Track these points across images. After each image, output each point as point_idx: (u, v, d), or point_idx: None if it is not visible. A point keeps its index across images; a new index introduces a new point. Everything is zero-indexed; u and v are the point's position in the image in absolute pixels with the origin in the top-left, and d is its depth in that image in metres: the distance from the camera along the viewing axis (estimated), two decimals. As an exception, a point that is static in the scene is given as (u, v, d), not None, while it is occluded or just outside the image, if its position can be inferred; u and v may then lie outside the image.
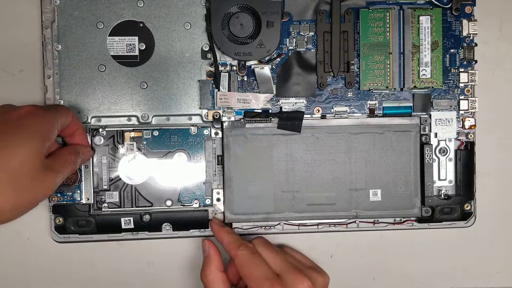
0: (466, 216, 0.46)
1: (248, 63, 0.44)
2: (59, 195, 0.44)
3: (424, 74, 0.45)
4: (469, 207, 0.46)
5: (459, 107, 0.46)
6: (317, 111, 0.45)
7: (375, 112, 0.45)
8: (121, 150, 0.44)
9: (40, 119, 0.35)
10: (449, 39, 0.45)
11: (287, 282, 0.38)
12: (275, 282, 0.37)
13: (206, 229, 0.45)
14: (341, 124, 0.45)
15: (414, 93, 0.45)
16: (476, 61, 0.45)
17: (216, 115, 0.44)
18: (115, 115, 0.44)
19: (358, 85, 0.45)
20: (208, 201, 0.44)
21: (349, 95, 0.45)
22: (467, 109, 0.46)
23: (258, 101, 0.44)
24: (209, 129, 0.44)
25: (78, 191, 0.44)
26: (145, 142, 0.44)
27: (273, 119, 0.44)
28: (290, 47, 0.45)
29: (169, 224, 0.44)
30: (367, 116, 0.45)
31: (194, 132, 0.44)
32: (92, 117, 0.44)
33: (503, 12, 0.47)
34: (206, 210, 0.45)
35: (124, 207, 0.44)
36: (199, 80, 0.44)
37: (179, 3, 0.44)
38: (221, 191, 0.44)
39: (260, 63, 0.44)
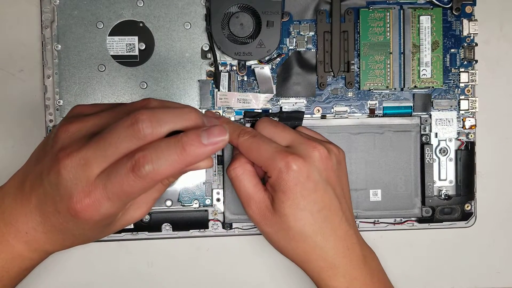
0: (466, 216, 0.46)
1: (248, 63, 0.44)
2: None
3: (424, 74, 0.45)
4: (469, 207, 0.46)
5: (459, 107, 0.46)
6: (317, 111, 0.45)
7: (375, 112, 0.45)
8: (121, 150, 0.44)
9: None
10: (450, 39, 0.45)
11: (300, 151, 0.36)
12: (286, 153, 0.35)
13: (206, 229, 0.45)
14: (341, 124, 0.45)
15: (415, 93, 0.45)
16: (476, 61, 0.45)
17: (216, 115, 0.44)
18: (115, 115, 0.44)
19: (358, 85, 0.45)
20: (208, 201, 0.44)
21: (349, 95, 0.45)
22: (468, 109, 0.46)
23: (258, 101, 0.44)
24: (209, 129, 0.44)
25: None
26: (145, 142, 0.44)
27: (273, 119, 0.44)
28: (290, 47, 0.45)
29: (169, 224, 0.44)
30: (367, 116, 0.45)
31: (194, 132, 0.44)
32: (92, 117, 0.44)
33: (504, 12, 0.47)
34: (206, 210, 0.45)
35: (124, 207, 0.44)
36: (199, 80, 0.44)
37: (179, 2, 0.44)
38: (221, 191, 0.44)
39: (260, 63, 0.44)
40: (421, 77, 0.45)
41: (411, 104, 0.45)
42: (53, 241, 0.31)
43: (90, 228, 0.30)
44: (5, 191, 0.31)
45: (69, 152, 0.28)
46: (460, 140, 0.46)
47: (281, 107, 0.45)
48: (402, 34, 0.44)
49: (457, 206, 0.45)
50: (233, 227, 0.45)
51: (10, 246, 0.31)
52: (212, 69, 0.44)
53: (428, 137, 0.45)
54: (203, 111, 0.44)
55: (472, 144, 0.46)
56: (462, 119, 0.46)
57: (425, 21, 0.44)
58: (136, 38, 0.43)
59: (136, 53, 0.43)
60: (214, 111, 0.44)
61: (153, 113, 0.28)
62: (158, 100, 0.30)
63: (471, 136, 0.46)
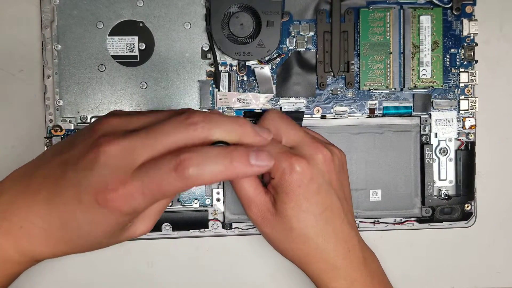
0: (466, 216, 0.46)
1: (248, 63, 0.44)
2: (59, 195, 0.44)
3: (424, 74, 0.45)
4: (469, 207, 0.46)
5: (459, 107, 0.46)
6: (317, 111, 0.45)
7: (375, 112, 0.45)
8: (121, 150, 0.44)
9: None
10: (450, 39, 0.45)
11: (304, 153, 0.36)
12: (290, 154, 0.35)
13: (205, 229, 0.45)
14: (341, 124, 0.45)
15: (414, 93, 0.45)
16: (476, 61, 0.45)
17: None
18: (115, 115, 0.44)
19: (358, 85, 0.45)
20: (208, 201, 0.44)
21: (349, 95, 0.45)
22: (468, 109, 0.46)
23: (258, 101, 0.44)
24: (209, 129, 0.44)
25: (78, 191, 0.44)
26: (145, 142, 0.44)
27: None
28: (290, 47, 0.45)
29: (169, 224, 0.44)
30: (367, 116, 0.45)
31: (194, 132, 0.44)
32: (92, 117, 0.44)
33: (504, 12, 0.47)
34: (206, 210, 0.45)
35: (124, 207, 0.44)
36: (199, 80, 0.44)
37: (178, 2, 0.44)
38: (221, 191, 0.44)
39: (260, 63, 0.44)
40: (421, 77, 0.45)
41: (411, 104, 0.45)
42: (47, 240, 0.29)
43: (106, 225, 0.29)
44: (4, 186, 0.30)
45: (112, 139, 0.27)
46: (460, 140, 0.46)
47: (281, 107, 0.45)
48: (402, 34, 0.44)
49: (457, 206, 0.45)
50: (233, 227, 0.45)
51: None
52: (212, 69, 0.44)
53: (428, 137, 0.45)
54: (207, 110, 0.44)
55: (472, 144, 0.46)
56: (462, 119, 0.46)
57: (425, 21, 0.44)
58: (136, 38, 0.43)
59: (136, 53, 0.43)
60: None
61: (208, 115, 0.28)
62: (201, 112, 0.30)
63: (471, 136, 0.46)
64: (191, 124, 0.28)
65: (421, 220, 0.46)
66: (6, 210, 0.29)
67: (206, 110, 0.32)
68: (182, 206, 0.44)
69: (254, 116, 0.44)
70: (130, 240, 0.34)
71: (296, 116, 0.44)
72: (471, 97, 0.46)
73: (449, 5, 0.45)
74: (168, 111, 0.30)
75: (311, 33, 0.45)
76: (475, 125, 0.46)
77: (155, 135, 0.27)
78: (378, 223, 0.46)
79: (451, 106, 0.46)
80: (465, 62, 0.46)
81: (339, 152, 0.39)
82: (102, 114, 0.43)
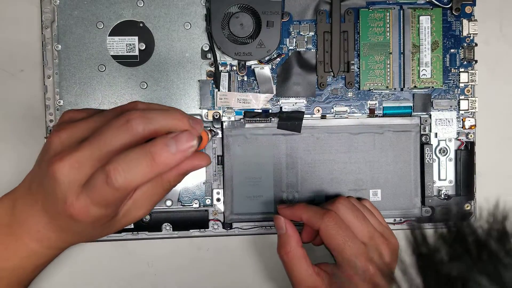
0: (466, 216, 0.46)
1: (248, 63, 0.44)
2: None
3: (424, 74, 0.45)
4: (469, 207, 0.46)
5: (459, 107, 0.46)
6: (317, 111, 0.45)
7: (375, 112, 0.45)
8: (121, 150, 0.44)
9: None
10: (449, 39, 0.45)
11: (373, 249, 0.38)
12: (367, 256, 0.37)
13: (206, 229, 0.45)
14: (341, 124, 0.45)
15: (414, 93, 0.45)
16: (476, 61, 0.45)
17: (216, 115, 0.44)
18: (115, 115, 0.44)
19: (358, 85, 0.45)
20: (208, 201, 0.44)
21: (349, 95, 0.45)
22: (467, 109, 0.46)
23: (258, 101, 0.44)
24: (209, 129, 0.44)
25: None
26: (145, 142, 0.44)
27: (273, 119, 0.44)
28: (290, 47, 0.45)
29: (169, 224, 0.44)
30: (367, 116, 0.45)
31: (194, 132, 0.44)
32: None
33: (503, 12, 0.47)
34: (206, 210, 0.45)
35: (124, 207, 0.44)
36: (199, 80, 0.44)
37: (179, 3, 0.44)
38: (221, 191, 0.44)
39: (260, 63, 0.44)
40: (421, 77, 0.45)
41: (411, 104, 0.45)
42: (62, 238, 0.32)
43: (90, 228, 0.31)
44: (17, 194, 0.33)
45: (62, 156, 0.29)
46: (460, 140, 0.46)
47: (281, 107, 0.45)
48: (402, 34, 0.44)
49: (457, 206, 0.45)
50: (233, 227, 0.45)
51: (25, 245, 0.32)
52: (212, 69, 0.44)
53: (428, 137, 0.45)
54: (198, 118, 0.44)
55: (472, 144, 0.46)
56: (462, 119, 0.46)
57: (425, 21, 0.44)
58: (136, 38, 0.43)
59: (136, 53, 0.43)
60: (214, 111, 0.44)
61: (143, 113, 0.29)
62: (144, 103, 0.31)
63: (470, 136, 0.46)
64: (129, 127, 0.29)
65: (421, 220, 0.46)
66: (22, 215, 0.32)
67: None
68: (182, 206, 0.44)
69: (254, 116, 0.44)
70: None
71: (296, 116, 0.44)
72: (471, 97, 0.46)
73: (449, 6, 0.45)
74: (110, 112, 0.31)
75: (311, 33, 0.45)
76: (475, 125, 0.46)
77: (99, 146, 0.29)
78: (378, 223, 0.46)
79: (451, 106, 0.46)
80: (465, 62, 0.46)
81: (395, 239, 0.40)
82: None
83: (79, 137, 0.30)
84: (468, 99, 0.46)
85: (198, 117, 0.44)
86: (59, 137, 0.30)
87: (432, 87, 0.45)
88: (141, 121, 0.29)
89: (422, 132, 0.45)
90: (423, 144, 0.45)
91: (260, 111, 0.45)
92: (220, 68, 0.44)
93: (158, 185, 0.31)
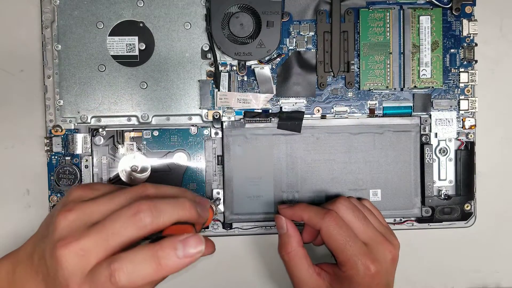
0: (466, 216, 0.46)
1: (248, 63, 0.44)
2: (59, 195, 0.44)
3: (424, 74, 0.45)
4: (469, 207, 0.46)
5: (459, 107, 0.46)
6: (317, 111, 0.45)
7: (375, 112, 0.45)
8: (121, 150, 0.44)
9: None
10: (449, 39, 0.45)
11: (378, 254, 0.38)
12: (368, 256, 0.37)
13: (206, 229, 0.45)
14: (341, 124, 0.45)
15: (414, 93, 0.45)
16: (476, 61, 0.45)
17: (216, 115, 0.44)
18: (115, 115, 0.44)
19: (358, 85, 0.45)
20: (208, 201, 0.44)
21: (349, 95, 0.45)
22: (467, 109, 0.46)
23: (258, 101, 0.44)
24: (209, 129, 0.44)
25: (78, 191, 0.44)
26: (145, 142, 0.44)
27: (273, 119, 0.44)
28: (290, 47, 0.45)
29: (169, 224, 0.44)
30: (367, 116, 0.45)
31: (194, 132, 0.44)
32: (92, 117, 0.44)
33: (503, 12, 0.47)
34: (206, 210, 0.45)
35: (124, 207, 0.44)
36: (199, 80, 0.44)
37: (179, 3, 0.44)
38: (221, 191, 0.44)
39: (260, 63, 0.44)
40: (421, 77, 0.45)
41: (411, 104, 0.45)
42: None
43: None
44: (19, 259, 0.32)
45: (68, 242, 0.28)
46: (460, 140, 0.46)
47: (281, 107, 0.45)
48: (402, 34, 0.44)
49: (457, 206, 0.45)
50: (233, 227, 0.45)
51: None
52: (212, 69, 0.44)
53: (428, 137, 0.45)
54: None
55: (472, 144, 0.46)
56: (462, 119, 0.46)
57: (425, 21, 0.44)
58: (136, 38, 0.43)
59: (136, 53, 0.43)
60: (214, 111, 0.44)
61: (153, 204, 0.30)
62: (154, 186, 0.32)
63: (470, 136, 0.46)
64: (138, 219, 0.29)
65: (421, 220, 0.46)
66: (22, 283, 0.31)
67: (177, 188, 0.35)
68: (182, 206, 0.44)
69: (254, 116, 0.44)
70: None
71: (296, 116, 0.44)
72: (471, 97, 0.46)
73: (449, 6, 0.45)
74: (120, 196, 0.31)
75: (311, 33, 0.45)
76: (475, 125, 0.46)
77: (107, 236, 0.29)
78: (378, 223, 0.46)
79: (451, 106, 0.46)
80: (465, 62, 0.46)
81: (397, 240, 0.40)
82: (102, 115, 0.43)
83: (87, 221, 0.30)
84: (468, 99, 0.46)
85: (198, 117, 0.44)
86: (66, 219, 0.30)
87: (432, 87, 0.45)
88: (149, 214, 0.29)
89: (422, 132, 0.45)
90: (423, 144, 0.45)
91: (260, 111, 0.45)
92: (220, 68, 0.44)
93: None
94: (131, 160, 0.44)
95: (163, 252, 0.28)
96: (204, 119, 0.44)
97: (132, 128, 0.44)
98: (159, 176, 0.44)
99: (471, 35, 0.45)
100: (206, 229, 0.45)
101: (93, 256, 0.28)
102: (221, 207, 0.45)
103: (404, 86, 0.45)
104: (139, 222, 0.29)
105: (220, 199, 0.44)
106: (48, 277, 0.30)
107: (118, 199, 0.31)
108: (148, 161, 0.44)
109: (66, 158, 0.44)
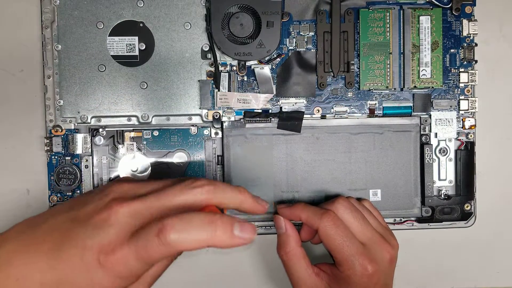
0: (466, 216, 0.46)
1: (248, 63, 0.44)
2: (59, 195, 0.44)
3: (424, 74, 0.45)
4: (469, 207, 0.46)
5: (459, 107, 0.46)
6: (317, 111, 0.45)
7: (375, 112, 0.45)
8: (121, 150, 0.44)
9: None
10: (449, 39, 0.45)
11: (375, 254, 0.38)
12: (366, 256, 0.37)
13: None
14: (341, 124, 0.45)
15: (414, 93, 0.45)
16: (476, 61, 0.45)
17: (216, 115, 0.44)
18: (115, 115, 0.44)
19: (358, 85, 0.45)
20: (208, 201, 0.44)
21: (349, 95, 0.45)
22: (467, 109, 0.46)
23: (258, 101, 0.44)
24: (209, 129, 0.44)
25: (78, 191, 0.44)
26: (145, 142, 0.44)
27: (273, 119, 0.44)
28: (290, 47, 0.45)
29: (169, 224, 0.44)
30: (367, 116, 0.45)
31: (194, 132, 0.44)
32: (92, 117, 0.44)
33: (504, 12, 0.47)
34: (206, 210, 0.45)
35: (124, 207, 0.44)
36: (199, 80, 0.44)
37: (179, 3, 0.44)
38: (221, 191, 0.44)
39: (260, 63, 0.44)
40: (420, 77, 0.45)
41: (411, 104, 0.45)
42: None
43: (106, 283, 0.28)
44: (7, 236, 0.29)
45: (123, 201, 0.29)
46: (459, 140, 0.46)
47: (281, 107, 0.45)
48: (402, 34, 0.44)
49: (457, 206, 0.45)
50: (233, 227, 0.45)
51: None
52: (212, 69, 0.44)
53: (427, 137, 0.45)
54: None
55: (472, 144, 0.46)
56: (462, 119, 0.46)
57: (425, 21, 0.44)
58: (136, 38, 0.43)
59: (136, 53, 0.44)
60: (214, 111, 0.44)
61: (212, 181, 0.30)
62: (206, 180, 0.31)
63: (470, 136, 0.46)
64: (195, 187, 0.30)
65: (420, 220, 0.46)
66: (6, 261, 0.28)
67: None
68: (182, 206, 0.44)
69: (254, 116, 0.44)
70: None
71: (296, 116, 0.44)
72: (471, 97, 0.46)
73: (449, 6, 0.45)
74: (176, 179, 0.32)
75: (311, 33, 0.45)
76: (475, 125, 0.46)
77: (163, 198, 0.29)
78: (378, 223, 0.46)
79: (451, 106, 0.46)
80: (465, 62, 0.46)
81: (395, 240, 0.40)
82: (102, 115, 0.43)
83: (141, 193, 0.30)
84: (468, 99, 0.46)
85: (198, 117, 0.44)
86: (121, 186, 0.31)
87: (432, 87, 0.45)
88: (209, 188, 0.30)
89: (422, 132, 0.45)
90: (423, 144, 0.45)
91: (260, 111, 0.45)
92: (220, 68, 0.44)
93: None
94: (131, 160, 0.44)
95: (222, 222, 0.28)
96: (204, 119, 0.44)
97: (132, 128, 0.44)
98: (159, 176, 0.44)
99: (471, 35, 0.45)
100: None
101: (143, 218, 0.28)
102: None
103: (404, 86, 0.45)
104: (195, 192, 0.29)
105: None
106: (67, 243, 0.28)
107: (171, 181, 0.31)
108: (148, 161, 0.44)
109: (66, 158, 0.44)
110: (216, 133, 0.44)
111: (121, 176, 0.44)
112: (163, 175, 0.44)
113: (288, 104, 0.45)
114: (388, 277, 0.39)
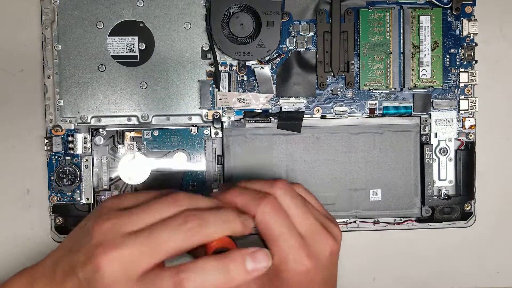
0: (466, 216, 0.46)
1: (248, 63, 0.44)
2: (59, 195, 0.44)
3: (424, 74, 0.45)
4: (469, 207, 0.46)
5: (459, 107, 0.46)
6: (317, 111, 0.45)
7: (375, 112, 0.45)
8: (121, 150, 0.44)
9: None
10: (449, 39, 0.45)
11: (312, 245, 0.33)
12: (303, 250, 0.33)
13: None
14: (341, 124, 0.45)
15: (414, 93, 0.45)
16: (476, 61, 0.45)
17: (216, 115, 0.44)
18: (115, 115, 0.44)
19: (358, 85, 0.45)
20: (208, 201, 0.44)
21: (349, 95, 0.45)
22: (467, 109, 0.46)
23: (258, 101, 0.44)
24: (209, 129, 0.44)
25: (78, 191, 0.44)
26: (145, 142, 0.44)
27: (273, 119, 0.44)
28: (290, 47, 0.45)
29: (169, 224, 0.44)
30: (367, 116, 0.45)
31: (194, 132, 0.44)
32: (92, 117, 0.44)
33: (503, 12, 0.47)
34: (206, 210, 0.44)
35: (124, 207, 0.44)
36: (199, 80, 0.44)
37: (179, 3, 0.44)
38: (221, 191, 0.44)
39: (260, 63, 0.44)
40: (421, 77, 0.45)
41: (411, 104, 0.45)
42: None
43: None
44: (37, 274, 0.30)
45: (110, 249, 0.27)
46: (460, 140, 0.46)
47: (281, 107, 0.45)
48: (402, 34, 0.44)
49: (457, 206, 0.45)
50: (233, 227, 0.45)
51: None
52: (212, 69, 0.44)
53: (428, 137, 0.45)
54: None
55: (472, 144, 0.46)
56: (462, 119, 0.46)
57: (425, 21, 0.44)
58: (136, 38, 0.43)
59: (136, 53, 0.44)
60: (214, 111, 0.44)
61: (201, 214, 0.29)
62: (187, 195, 0.30)
63: (470, 136, 0.46)
64: (187, 230, 0.28)
65: (421, 220, 0.46)
66: None
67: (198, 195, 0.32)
68: (182, 206, 0.44)
69: (254, 116, 0.44)
70: None
71: (296, 116, 0.44)
72: (471, 97, 0.46)
73: (449, 5, 0.45)
74: (158, 203, 0.30)
75: (311, 33, 0.45)
76: (475, 125, 0.46)
77: (154, 243, 0.27)
78: (378, 223, 0.46)
79: (451, 106, 0.46)
80: (465, 62, 0.46)
81: (338, 229, 0.36)
82: (102, 115, 0.43)
83: (128, 229, 0.28)
84: (468, 99, 0.46)
85: (198, 117, 0.44)
86: (104, 225, 0.28)
87: (432, 87, 0.45)
88: (198, 224, 0.28)
89: (422, 132, 0.45)
90: (423, 144, 0.45)
91: (260, 111, 0.45)
92: (220, 68, 0.44)
93: None
94: (131, 160, 0.44)
95: (235, 264, 0.28)
96: (204, 119, 0.44)
97: (132, 128, 0.44)
98: (159, 176, 0.44)
99: (471, 35, 0.45)
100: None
101: (140, 264, 0.27)
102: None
103: (404, 86, 0.45)
104: (188, 232, 0.28)
105: None
106: None
107: (159, 207, 0.29)
108: (148, 161, 0.44)
109: (66, 158, 0.44)
110: (216, 133, 0.44)
111: (120, 176, 0.44)
112: (161, 182, 0.44)
113: (288, 104, 0.45)
114: (330, 272, 0.34)
